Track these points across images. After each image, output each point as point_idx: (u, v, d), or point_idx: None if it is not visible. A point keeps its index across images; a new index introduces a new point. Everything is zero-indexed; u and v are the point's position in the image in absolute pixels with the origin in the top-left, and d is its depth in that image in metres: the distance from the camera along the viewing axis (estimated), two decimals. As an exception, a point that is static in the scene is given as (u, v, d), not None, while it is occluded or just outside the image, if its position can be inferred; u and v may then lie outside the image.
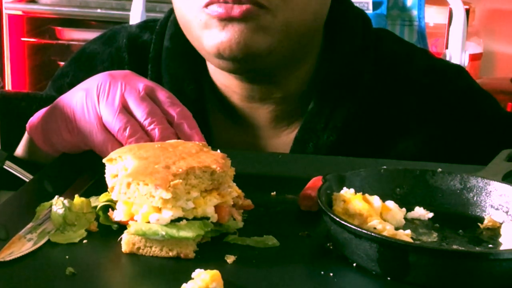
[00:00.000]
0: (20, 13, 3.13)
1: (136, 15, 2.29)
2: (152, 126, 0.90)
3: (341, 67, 1.12)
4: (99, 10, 2.93)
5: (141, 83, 0.94)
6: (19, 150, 1.05)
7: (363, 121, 1.12)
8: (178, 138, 0.91)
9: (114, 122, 0.91)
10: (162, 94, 0.94)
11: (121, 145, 0.90)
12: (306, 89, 1.12)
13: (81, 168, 0.95)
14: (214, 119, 1.15)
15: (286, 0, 0.99)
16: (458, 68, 1.24)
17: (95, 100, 0.93)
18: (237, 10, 0.97)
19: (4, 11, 3.10)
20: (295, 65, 1.10)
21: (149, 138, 0.90)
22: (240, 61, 1.02)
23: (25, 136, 1.04)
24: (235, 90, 1.12)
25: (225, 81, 1.13)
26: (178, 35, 1.13)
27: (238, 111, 1.14)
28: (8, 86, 3.21)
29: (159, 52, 1.18)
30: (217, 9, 0.98)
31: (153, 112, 0.91)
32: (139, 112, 0.91)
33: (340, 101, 1.11)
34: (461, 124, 1.15)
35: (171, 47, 1.17)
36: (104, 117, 0.92)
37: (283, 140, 1.14)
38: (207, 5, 0.99)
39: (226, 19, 0.98)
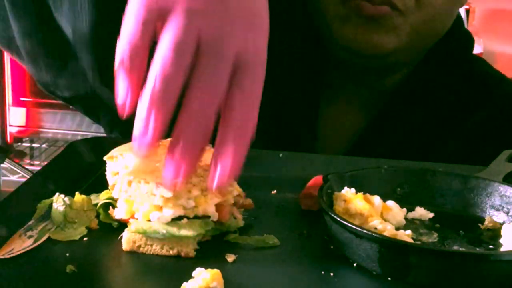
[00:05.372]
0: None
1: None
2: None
3: (432, 80, 1.18)
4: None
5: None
6: None
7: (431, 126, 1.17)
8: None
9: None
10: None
11: None
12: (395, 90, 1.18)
13: (82, 165, 0.95)
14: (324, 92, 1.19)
15: (419, 5, 1.06)
16: None
17: None
18: (374, 11, 1.04)
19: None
20: (402, 67, 1.16)
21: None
22: (365, 57, 1.09)
23: None
24: (346, 71, 1.17)
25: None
26: None
27: (343, 89, 1.19)
28: (8, 86, 3.21)
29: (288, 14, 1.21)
30: (357, 6, 1.05)
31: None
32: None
33: (417, 105, 1.16)
34: None
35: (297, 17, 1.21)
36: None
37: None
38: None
39: (363, 16, 1.05)
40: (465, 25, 2.37)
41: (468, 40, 1.23)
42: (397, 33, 1.07)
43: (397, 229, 0.79)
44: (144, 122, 0.64)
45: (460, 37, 1.22)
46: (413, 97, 1.17)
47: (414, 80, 1.17)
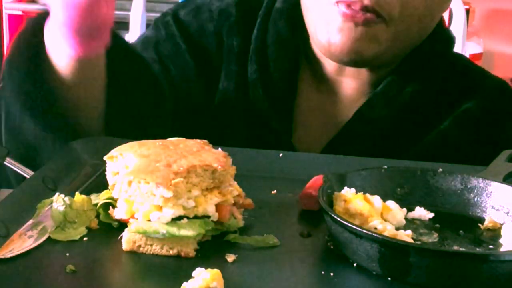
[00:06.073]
0: (20, 13, 3.12)
1: (136, 15, 2.29)
2: None
3: (415, 75, 1.19)
4: (99, 9, 2.91)
5: None
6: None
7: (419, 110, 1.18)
8: None
9: None
10: None
11: None
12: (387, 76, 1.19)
13: (82, 165, 0.95)
14: (303, 81, 1.21)
15: (402, 14, 1.08)
16: None
17: None
18: (361, 17, 1.05)
19: (4, 11, 3.10)
20: (384, 66, 1.18)
21: None
22: (347, 62, 1.12)
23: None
24: (331, 63, 1.18)
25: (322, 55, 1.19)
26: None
27: (326, 80, 1.21)
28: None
29: (270, 11, 1.24)
30: (344, 9, 1.05)
31: None
32: None
33: (400, 99, 1.17)
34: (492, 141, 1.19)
35: (282, 8, 1.23)
36: None
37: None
38: (337, 3, 1.06)
39: (348, 21, 1.06)
40: (465, 25, 2.37)
41: (448, 37, 1.25)
42: (378, 41, 1.08)
43: (397, 229, 0.79)
44: None
45: (441, 34, 1.23)
46: (396, 92, 1.17)
47: (397, 75, 1.18)
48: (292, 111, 1.19)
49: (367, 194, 0.83)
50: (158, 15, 1.30)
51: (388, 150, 1.10)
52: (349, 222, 0.74)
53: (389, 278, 0.72)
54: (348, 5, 1.05)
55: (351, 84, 1.19)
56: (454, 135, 1.18)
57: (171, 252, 0.75)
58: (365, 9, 1.05)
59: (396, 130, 1.17)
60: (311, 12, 1.12)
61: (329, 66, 1.19)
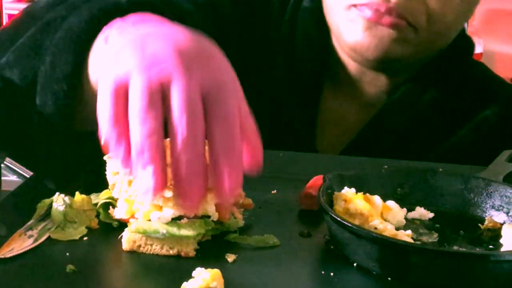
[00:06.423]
0: (20, 13, 3.12)
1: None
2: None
3: (435, 81, 1.19)
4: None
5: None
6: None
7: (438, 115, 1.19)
8: None
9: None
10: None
11: None
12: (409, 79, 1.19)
13: (82, 165, 0.95)
14: (326, 85, 1.21)
15: (431, 23, 1.08)
16: None
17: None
18: (387, 19, 1.04)
19: (4, 11, 3.10)
20: (406, 71, 1.19)
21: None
22: (372, 62, 1.11)
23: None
24: (353, 67, 1.18)
25: (346, 58, 1.18)
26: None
27: (345, 85, 1.20)
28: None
29: (297, 7, 1.22)
30: (367, 11, 1.04)
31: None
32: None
33: (419, 105, 1.18)
34: None
35: (310, 8, 1.21)
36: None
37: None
38: (361, 5, 1.05)
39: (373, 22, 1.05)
40: (465, 25, 2.38)
41: (469, 44, 1.26)
42: (407, 43, 1.09)
43: (397, 229, 0.79)
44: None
45: (462, 41, 1.24)
46: (415, 98, 1.17)
47: (416, 81, 1.18)
48: (316, 113, 1.19)
49: (367, 194, 0.83)
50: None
51: (405, 156, 1.09)
52: (349, 222, 0.74)
53: (389, 278, 0.72)
54: (375, 9, 1.04)
55: (369, 90, 1.19)
56: (471, 143, 1.18)
57: (171, 252, 0.75)
58: (390, 12, 1.04)
59: (413, 136, 1.17)
60: (334, 12, 1.12)
61: (350, 69, 1.18)
